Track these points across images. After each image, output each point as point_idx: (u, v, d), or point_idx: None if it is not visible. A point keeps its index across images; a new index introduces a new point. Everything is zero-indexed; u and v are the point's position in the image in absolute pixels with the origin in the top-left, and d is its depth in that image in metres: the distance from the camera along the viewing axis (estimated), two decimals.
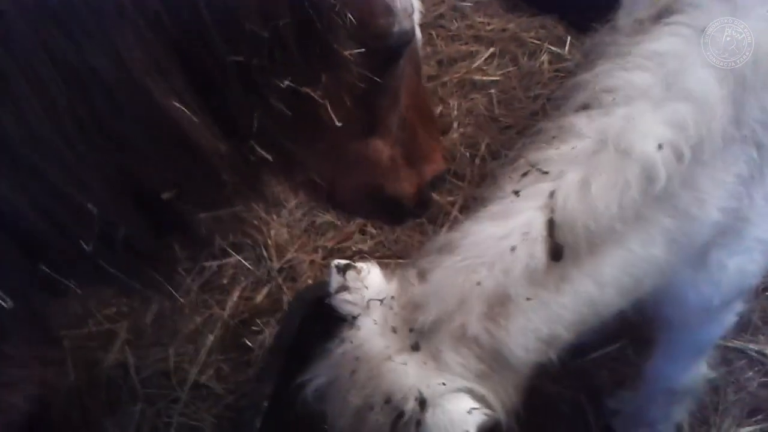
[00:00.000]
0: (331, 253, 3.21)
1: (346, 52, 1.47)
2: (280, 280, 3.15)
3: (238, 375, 2.87)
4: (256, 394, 2.40)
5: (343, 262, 1.81)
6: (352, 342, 1.64)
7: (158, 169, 1.26)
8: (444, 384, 1.53)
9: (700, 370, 2.31)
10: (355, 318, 1.69)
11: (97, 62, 1.10)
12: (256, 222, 3.26)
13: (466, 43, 4.38)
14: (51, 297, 1.29)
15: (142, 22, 1.14)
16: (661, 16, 1.70)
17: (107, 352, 2.95)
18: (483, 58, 4.20)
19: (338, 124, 1.51)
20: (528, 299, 1.54)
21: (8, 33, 1.04)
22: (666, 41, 1.63)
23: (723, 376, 2.71)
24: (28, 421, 1.69)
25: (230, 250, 3.26)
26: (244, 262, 3.22)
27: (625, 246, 1.54)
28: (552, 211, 1.53)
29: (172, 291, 1.44)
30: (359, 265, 1.81)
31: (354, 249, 3.25)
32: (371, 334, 1.63)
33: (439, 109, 3.79)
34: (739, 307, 2.06)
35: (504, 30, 4.38)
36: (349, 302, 1.72)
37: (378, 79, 1.65)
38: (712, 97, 1.52)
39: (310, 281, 3.12)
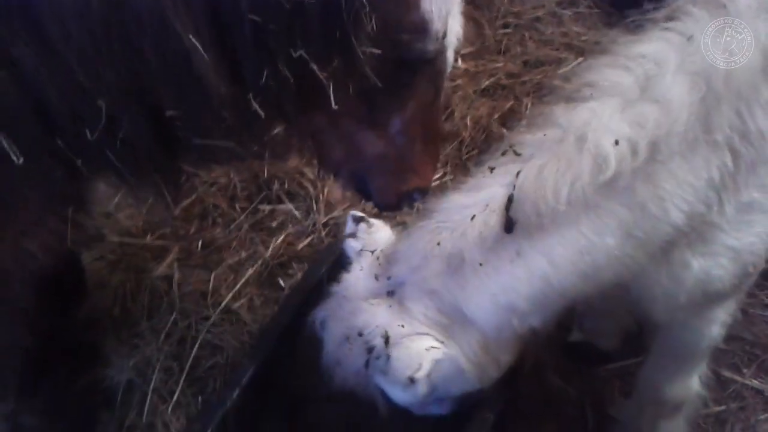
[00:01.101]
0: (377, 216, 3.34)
1: (363, 49, 1.57)
2: (322, 233, 3.33)
3: (266, 309, 3.08)
4: (275, 321, 2.59)
5: (360, 213, 2.06)
6: (342, 283, 1.91)
7: (166, 88, 1.45)
8: (403, 326, 1.74)
9: (691, 385, 2.30)
10: (349, 262, 1.97)
11: None
12: (312, 177, 3.47)
13: (557, 49, 4.40)
14: (68, 174, 1.48)
15: None
16: (668, 18, 1.75)
17: (158, 264, 3.24)
18: (569, 66, 4.21)
19: (335, 106, 1.62)
20: (481, 264, 1.69)
21: None
22: (652, 45, 1.72)
23: (734, 411, 2.67)
24: (50, 283, 1.92)
25: (284, 198, 3.47)
26: (294, 210, 3.44)
27: (578, 230, 1.64)
28: (514, 188, 1.65)
29: (166, 193, 1.63)
30: (372, 220, 2.05)
31: (398, 219, 3.37)
32: (357, 278, 1.90)
33: (509, 104, 3.86)
34: (721, 318, 2.05)
35: (597, 43, 4.37)
36: (351, 248, 2.01)
37: (384, 82, 1.72)
38: (679, 102, 1.59)
39: None
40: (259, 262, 3.25)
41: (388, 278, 1.83)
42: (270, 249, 3.29)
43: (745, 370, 2.79)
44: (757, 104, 1.68)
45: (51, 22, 1.28)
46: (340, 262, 2.28)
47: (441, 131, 2.25)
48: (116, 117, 1.40)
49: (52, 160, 1.43)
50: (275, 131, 1.85)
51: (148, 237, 3.36)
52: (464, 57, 4.23)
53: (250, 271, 3.22)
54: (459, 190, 1.82)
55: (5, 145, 1.30)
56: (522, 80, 4.09)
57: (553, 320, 1.88)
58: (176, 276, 3.19)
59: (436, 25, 1.72)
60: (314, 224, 3.38)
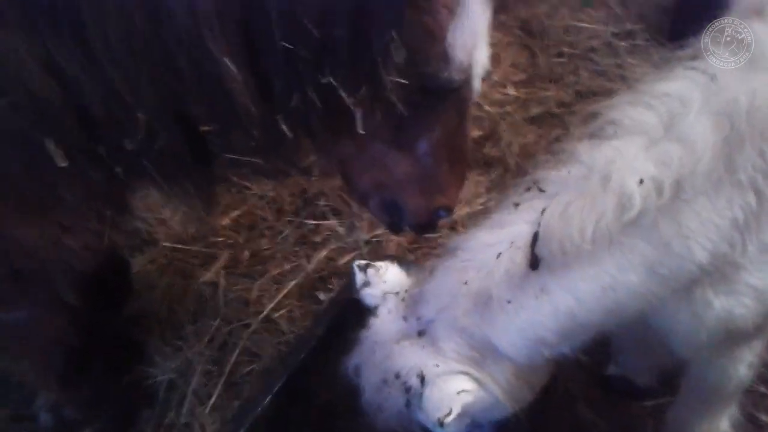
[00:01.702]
0: (417, 241, 3.41)
1: (390, 79, 1.65)
2: (364, 251, 3.41)
3: (304, 321, 3.17)
4: (309, 333, 2.67)
5: (363, 262, 2.14)
6: (371, 328, 1.95)
7: (200, 105, 1.56)
8: (437, 365, 1.78)
9: (719, 426, 2.26)
10: (375, 308, 2.00)
11: (174, 4, 1.40)
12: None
13: (610, 80, 4.39)
14: (107, 179, 1.60)
15: None
16: (694, 57, 1.76)
17: (205, 270, 3.38)
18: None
19: (361, 131, 1.70)
20: (509, 302, 1.74)
21: None
22: (676, 84, 1.72)
23: None
24: (94, 281, 2.04)
25: (329, 214, 3.57)
26: (338, 227, 3.53)
27: (601, 267, 1.66)
28: (539, 225, 1.69)
29: (203, 201, 1.74)
30: (378, 263, 2.12)
31: (440, 242, 3.42)
32: (386, 321, 1.94)
33: (557, 133, 3.87)
34: (748, 359, 2.01)
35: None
36: (371, 295, 2.04)
37: (410, 109, 1.80)
38: (702, 141, 1.59)
39: None
40: (301, 274, 3.35)
41: (418, 319, 1.88)
42: (312, 263, 3.39)
43: None
44: None
45: (96, 37, 1.39)
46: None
47: (467, 155, 2.29)
48: (154, 129, 1.51)
49: (93, 166, 1.54)
50: (303, 153, 1.94)
51: (199, 244, 3.51)
52: (515, 84, 4.28)
53: (292, 283, 3.32)
54: (483, 226, 1.87)
55: (51, 149, 1.42)
56: (572, 110, 4.10)
57: (583, 346, 1.90)
58: (222, 283, 3.32)
59: (461, 57, 1.79)
60: (357, 241, 3.46)
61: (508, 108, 4.09)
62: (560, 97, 4.21)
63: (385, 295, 2.00)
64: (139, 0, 1.39)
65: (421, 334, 1.86)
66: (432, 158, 2.08)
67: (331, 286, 3.31)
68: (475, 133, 3.91)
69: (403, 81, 1.68)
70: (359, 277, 2.07)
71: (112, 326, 2.86)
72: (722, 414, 2.31)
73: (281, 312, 3.21)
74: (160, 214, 3.53)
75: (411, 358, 1.81)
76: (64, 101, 1.47)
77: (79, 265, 1.89)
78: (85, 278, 2.00)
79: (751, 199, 1.65)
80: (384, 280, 2.03)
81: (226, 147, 1.71)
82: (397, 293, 2.00)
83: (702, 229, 1.64)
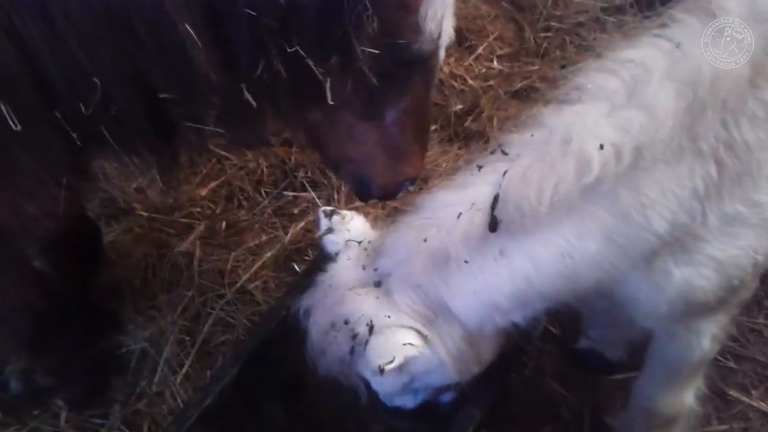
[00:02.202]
0: (395, 212, 3.39)
1: (362, 49, 1.64)
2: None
3: (279, 292, 3.16)
4: (279, 304, 2.67)
5: (329, 208, 2.13)
6: (329, 272, 1.95)
7: (159, 71, 1.54)
8: (388, 316, 1.78)
9: (684, 399, 2.26)
10: (336, 254, 1.99)
11: None
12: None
13: (598, 56, 4.32)
14: (65, 145, 1.58)
15: None
16: (662, 25, 1.73)
17: (182, 240, 3.36)
18: None
19: (331, 101, 1.69)
20: (466, 261, 1.73)
21: None
22: (642, 51, 1.71)
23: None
24: (61, 247, 2.03)
25: (308, 186, 3.55)
26: (316, 199, 3.51)
27: (559, 232, 1.66)
28: (500, 188, 1.67)
29: (164, 172, 1.72)
30: (343, 212, 2.11)
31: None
32: (344, 268, 1.94)
33: (539, 108, 3.82)
34: (712, 332, 2.02)
35: None
36: (332, 242, 2.04)
37: (381, 80, 1.81)
38: (665, 109, 1.58)
39: None
40: (278, 246, 3.34)
41: (375, 270, 1.88)
42: (289, 234, 3.38)
43: (753, 392, 2.73)
44: (743, 115, 1.66)
45: (56, 4, 1.37)
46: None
47: (429, 123, 2.33)
48: (111, 94, 1.49)
49: (49, 130, 1.52)
50: (269, 123, 1.92)
51: (176, 214, 3.49)
52: (500, 58, 4.24)
53: (268, 254, 3.31)
54: (447, 187, 1.86)
55: (4, 111, 1.40)
56: (556, 84, 4.05)
57: (535, 318, 1.89)
58: (197, 253, 3.31)
59: (432, 27, 1.80)
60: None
61: (492, 82, 4.05)
62: (544, 72, 4.17)
63: (347, 242, 2.00)
64: None
65: (377, 285, 1.86)
66: (399, 128, 2.08)
67: (307, 258, 3.30)
68: (457, 106, 3.89)
69: (374, 51, 1.67)
70: (323, 223, 2.07)
71: (84, 294, 2.85)
72: (687, 387, 2.32)
73: (256, 283, 3.21)
74: (137, 183, 3.50)
75: (363, 306, 1.82)
76: (21, 65, 1.45)
77: (39, 230, 1.88)
78: (50, 243, 1.99)
79: (712, 169, 1.65)
80: (348, 229, 2.03)
81: (186, 116, 1.68)
82: (360, 243, 2.00)
83: (661, 199, 1.63)
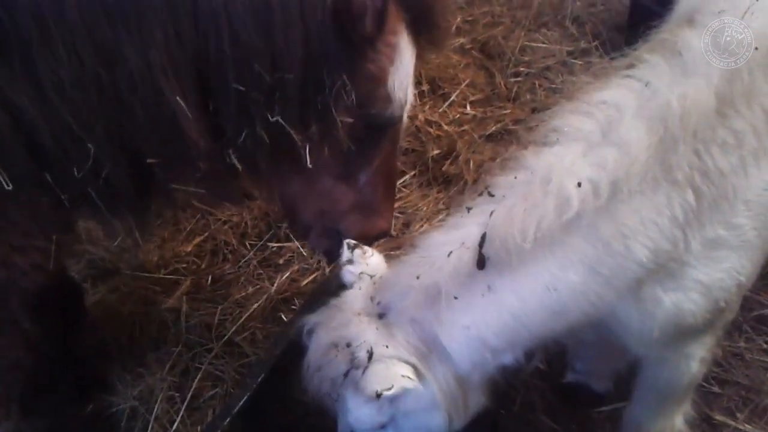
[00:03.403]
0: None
1: (340, 118, 1.81)
2: (326, 270, 3.43)
3: (266, 343, 3.18)
4: (268, 354, 2.69)
5: (353, 242, 2.18)
6: (340, 298, 2.04)
7: (149, 139, 1.65)
8: (387, 347, 1.84)
9: (674, 424, 2.30)
10: (350, 284, 2.08)
11: (128, 52, 1.49)
12: None
13: (566, 98, 4.47)
14: (53, 204, 1.65)
15: (172, 34, 1.51)
16: (630, 66, 1.84)
17: (168, 297, 3.38)
18: None
19: (309, 165, 1.84)
20: (455, 297, 1.79)
21: (62, 14, 1.43)
22: (613, 92, 1.81)
23: None
24: (47, 306, 2.07)
25: (292, 236, 3.61)
26: (301, 248, 3.56)
27: (544, 266, 1.73)
28: (487, 227, 1.76)
29: (138, 231, 1.81)
30: (366, 247, 2.20)
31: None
32: (354, 296, 2.02)
33: (514, 149, 3.94)
34: (700, 355, 2.07)
35: None
36: (350, 273, 2.12)
37: (355, 144, 1.97)
38: (637, 144, 1.67)
39: None
40: (264, 297, 3.37)
41: (379, 303, 1.95)
42: (275, 285, 3.42)
43: (738, 415, 2.76)
44: (714, 144, 1.75)
45: (48, 77, 1.46)
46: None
47: (396, 179, 2.53)
48: (102, 160, 1.56)
49: (39, 190, 1.59)
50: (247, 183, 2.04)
51: (161, 271, 3.52)
52: (473, 103, 4.37)
53: (255, 306, 3.33)
54: (440, 227, 1.95)
55: None
56: (529, 125, 4.17)
57: (525, 358, 1.94)
58: (184, 309, 3.33)
59: (401, 95, 2.00)
60: (319, 262, 3.49)
61: (466, 127, 4.17)
62: (517, 114, 4.31)
63: (361, 274, 2.07)
64: (91, 44, 1.45)
65: (380, 317, 1.93)
66: (369, 186, 2.25)
67: (294, 307, 3.33)
68: (434, 151, 3.99)
69: (350, 120, 1.84)
70: (346, 254, 2.15)
71: (73, 355, 2.85)
72: (677, 412, 2.36)
73: (244, 335, 3.23)
74: (122, 242, 3.53)
75: (366, 333, 1.87)
76: (12, 129, 1.52)
77: (28, 284, 1.92)
78: (36, 299, 2.02)
79: (690, 197, 1.73)
80: (367, 263, 2.09)
81: (171, 178, 1.78)
82: (372, 277, 2.07)
83: (641, 228, 1.70)
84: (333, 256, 2.41)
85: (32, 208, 1.64)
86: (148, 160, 1.67)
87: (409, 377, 1.78)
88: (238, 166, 1.76)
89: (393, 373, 1.77)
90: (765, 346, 2.99)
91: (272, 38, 1.60)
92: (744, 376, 2.88)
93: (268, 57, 1.61)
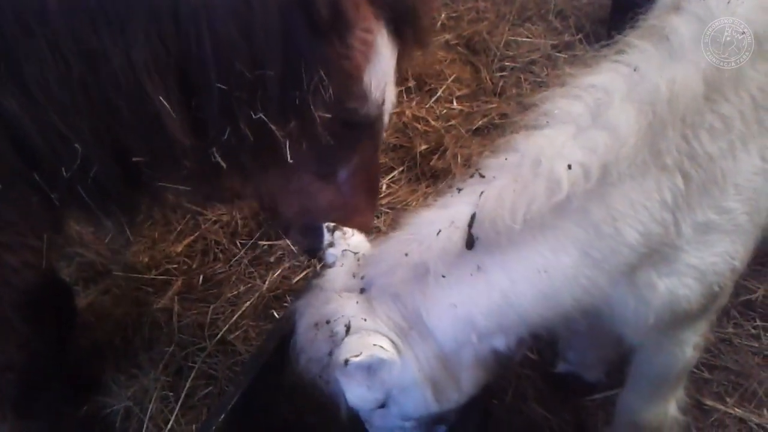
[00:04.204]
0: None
1: (318, 113, 1.83)
2: (317, 268, 3.44)
3: (260, 340, 3.18)
4: (260, 351, 2.69)
5: (332, 224, 2.17)
6: (323, 277, 2.04)
7: (135, 138, 1.67)
8: (365, 320, 1.85)
9: (667, 409, 2.33)
10: (333, 262, 2.08)
11: (111, 52, 1.51)
12: None
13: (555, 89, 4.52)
14: (43, 202, 1.65)
15: (155, 34, 1.53)
16: (619, 51, 1.86)
17: (160, 297, 3.38)
18: None
19: (290, 160, 1.86)
20: (443, 276, 1.79)
21: (45, 15, 1.44)
22: (603, 76, 1.83)
23: None
24: (39, 306, 2.07)
25: (283, 234, 3.61)
26: (291, 246, 3.57)
27: (534, 248, 1.74)
28: (476, 207, 1.76)
29: (127, 227, 1.83)
30: (345, 228, 2.19)
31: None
32: (336, 274, 2.02)
33: (500, 143, 3.97)
34: (693, 340, 2.09)
35: None
36: (332, 255, 2.11)
37: (334, 140, 2.00)
38: (626, 128, 1.69)
39: None
40: (256, 295, 3.38)
41: (362, 278, 1.95)
42: (267, 282, 3.43)
43: (728, 399, 2.80)
44: (702, 129, 1.77)
45: (34, 79, 1.47)
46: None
47: (377, 181, 2.56)
48: (90, 159, 1.58)
49: (29, 190, 1.59)
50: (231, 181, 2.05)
51: (153, 272, 3.52)
52: (459, 99, 4.40)
53: (247, 304, 3.34)
54: (430, 207, 1.95)
55: None
56: (514, 120, 4.21)
57: (516, 345, 1.95)
58: (176, 308, 3.33)
59: (377, 95, 2.02)
60: (310, 259, 3.50)
61: (453, 122, 4.20)
62: (503, 108, 4.34)
63: (344, 252, 2.07)
64: (74, 45, 1.46)
65: (361, 291, 1.93)
66: (349, 184, 2.28)
67: (286, 304, 3.34)
68: (422, 147, 4.01)
69: (328, 115, 1.86)
70: (327, 237, 2.15)
71: (66, 355, 2.84)
72: (670, 398, 2.38)
73: (236, 333, 3.23)
74: (113, 244, 3.54)
75: (345, 308, 1.88)
76: (0, 130, 1.53)
77: (20, 282, 1.92)
78: (28, 298, 2.02)
79: (679, 181, 1.74)
80: (348, 243, 2.10)
81: (157, 177, 1.79)
82: (355, 253, 2.07)
83: (630, 212, 1.72)
84: (314, 252, 2.42)
85: (23, 207, 1.64)
86: (134, 159, 1.68)
87: (381, 346, 1.78)
88: (222, 163, 1.77)
89: (365, 343, 1.77)
90: (753, 331, 3.04)
91: (252, 35, 1.62)
92: (733, 361, 2.92)
93: (248, 55, 1.63)
